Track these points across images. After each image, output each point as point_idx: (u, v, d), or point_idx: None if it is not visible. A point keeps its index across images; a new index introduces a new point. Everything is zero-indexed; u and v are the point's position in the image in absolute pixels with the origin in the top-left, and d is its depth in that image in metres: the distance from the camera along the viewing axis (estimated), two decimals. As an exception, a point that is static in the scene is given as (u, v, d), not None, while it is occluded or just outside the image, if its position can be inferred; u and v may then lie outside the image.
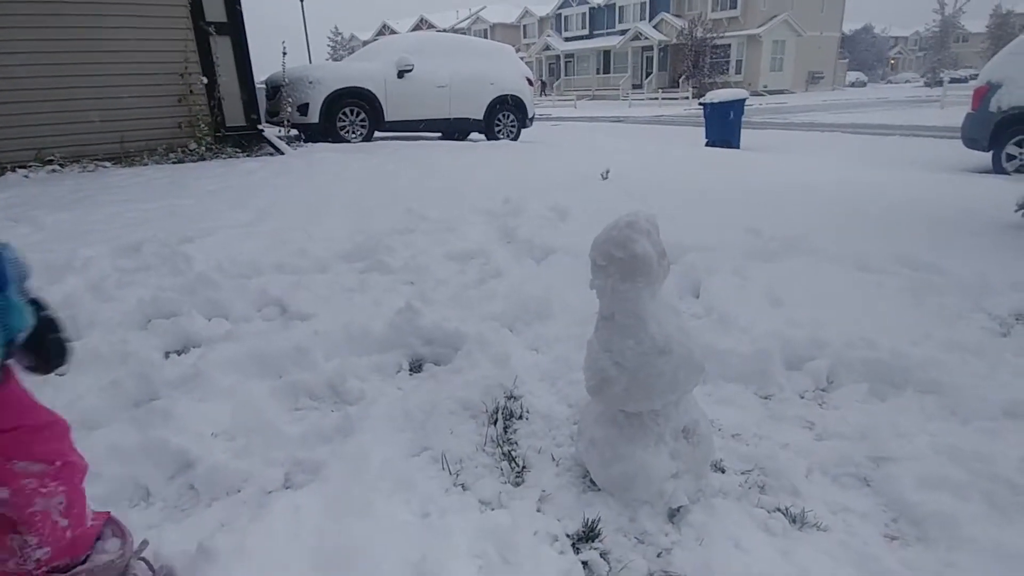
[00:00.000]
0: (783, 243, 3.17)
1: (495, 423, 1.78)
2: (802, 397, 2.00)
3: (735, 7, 36.63)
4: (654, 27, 39.39)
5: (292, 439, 1.71)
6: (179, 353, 2.21)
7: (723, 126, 10.14)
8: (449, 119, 9.90)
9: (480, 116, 10.10)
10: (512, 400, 1.88)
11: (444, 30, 45.53)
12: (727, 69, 36.70)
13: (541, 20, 50.42)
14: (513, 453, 1.67)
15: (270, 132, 7.80)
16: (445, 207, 4.09)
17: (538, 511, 1.45)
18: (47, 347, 1.05)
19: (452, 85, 9.64)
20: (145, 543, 1.26)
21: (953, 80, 25.40)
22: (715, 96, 10.30)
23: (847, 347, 2.13)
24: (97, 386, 1.88)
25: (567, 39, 46.23)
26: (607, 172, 5.37)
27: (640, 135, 13.62)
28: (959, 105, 14.37)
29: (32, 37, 5.95)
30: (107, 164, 6.47)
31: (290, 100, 8.51)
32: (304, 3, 26.67)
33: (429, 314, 2.32)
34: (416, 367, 2.19)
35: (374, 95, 8.98)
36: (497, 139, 10.28)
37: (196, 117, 7.04)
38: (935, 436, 1.70)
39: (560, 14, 47.26)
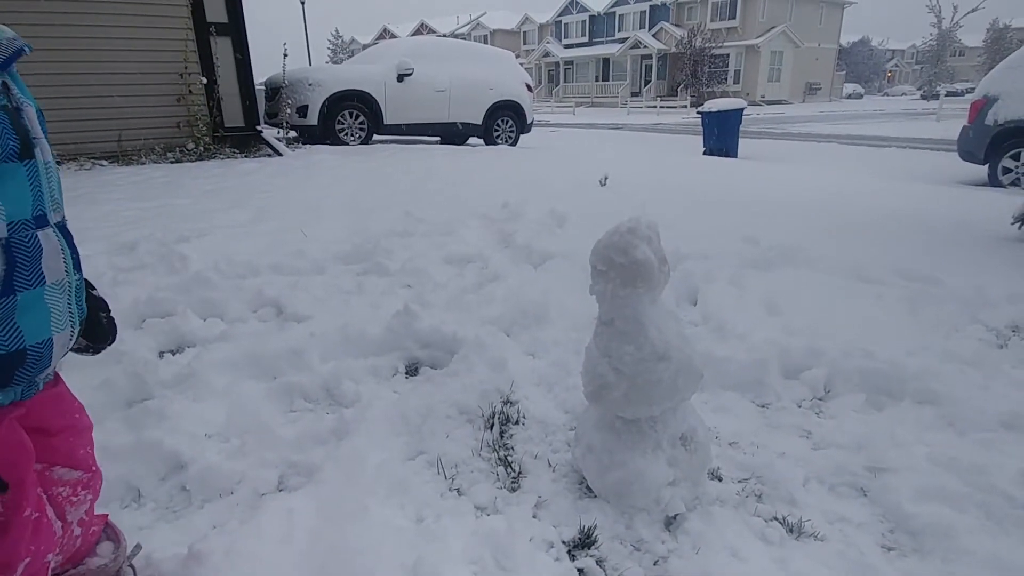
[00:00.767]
0: (781, 252, 3.17)
1: (491, 428, 1.77)
2: (799, 406, 2.00)
3: (734, 17, 36.91)
4: (653, 36, 39.64)
5: (286, 441, 1.69)
6: (174, 353, 2.20)
7: (721, 135, 10.17)
8: (448, 123, 9.91)
9: (479, 121, 10.12)
10: (509, 405, 1.87)
11: (444, 35, 45.70)
12: (725, 79, 36.94)
13: (541, 27, 50.63)
14: (509, 458, 1.66)
15: (268, 133, 7.80)
16: (443, 211, 4.08)
17: (534, 517, 1.44)
18: (100, 328, 1.06)
19: (451, 90, 9.66)
20: (138, 547, 1.24)
21: (949, 93, 25.65)
22: (713, 105, 10.33)
23: (844, 357, 2.13)
24: (89, 385, 1.85)
25: (567, 46, 46.46)
26: (605, 179, 5.38)
27: (638, 142, 13.68)
28: (955, 118, 14.50)
29: (31, 35, 5.93)
30: (104, 163, 6.45)
31: (289, 102, 8.52)
32: (305, 5, 26.72)
33: (426, 317, 2.31)
34: (412, 370, 2.18)
35: (373, 98, 8.99)
36: (496, 144, 10.30)
37: (195, 117, 7.04)
38: (932, 447, 1.70)
39: (560, 21, 47.50)
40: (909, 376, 2.01)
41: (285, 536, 1.31)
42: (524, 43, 52.16)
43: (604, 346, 1.40)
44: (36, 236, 0.86)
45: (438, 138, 10.36)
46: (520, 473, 1.60)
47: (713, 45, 35.52)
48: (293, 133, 8.85)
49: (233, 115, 7.48)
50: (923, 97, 40.94)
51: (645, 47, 39.32)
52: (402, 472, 1.57)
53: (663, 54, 38.92)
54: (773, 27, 36.34)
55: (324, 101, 8.59)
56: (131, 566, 1.21)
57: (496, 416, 1.81)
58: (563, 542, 1.37)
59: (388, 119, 9.21)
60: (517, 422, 1.82)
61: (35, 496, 0.92)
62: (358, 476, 1.51)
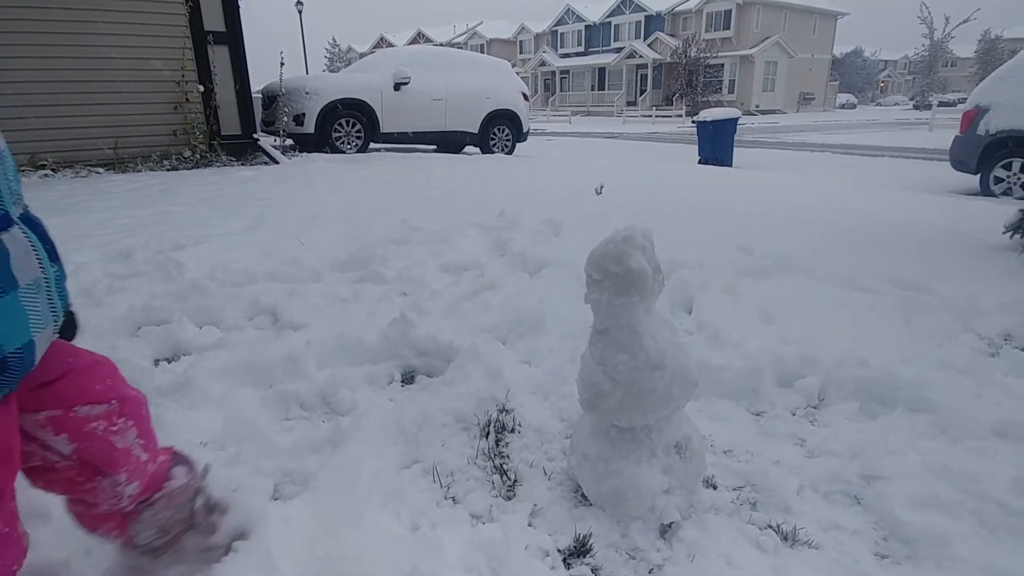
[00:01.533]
0: (775, 261, 3.19)
1: (487, 436, 1.77)
2: (793, 414, 2.01)
3: (728, 28, 37.26)
4: (648, 46, 39.96)
5: (282, 449, 1.69)
6: (169, 361, 2.19)
7: (716, 144, 10.25)
8: (444, 132, 9.95)
9: (475, 129, 10.16)
10: (504, 413, 1.87)
11: (441, 44, 45.91)
12: (720, 88, 37.25)
13: (537, 36, 50.98)
14: (505, 467, 1.66)
15: (265, 141, 7.82)
16: (440, 219, 4.10)
17: (529, 525, 1.44)
18: (71, 320, 1.05)
19: (448, 98, 9.71)
20: (207, 468, 1.27)
21: (941, 103, 25.90)
22: (708, 114, 10.42)
23: (838, 365, 2.14)
24: (85, 393, 1.85)
25: (563, 56, 46.78)
26: (601, 187, 5.40)
27: (634, 151, 13.74)
28: (947, 128, 14.63)
29: (28, 42, 5.94)
30: (100, 170, 6.45)
31: (286, 110, 8.54)
32: (302, 14, 26.84)
33: (423, 325, 2.31)
34: (408, 378, 2.18)
35: (370, 107, 9.02)
36: (492, 153, 10.34)
37: (192, 125, 7.05)
38: (925, 455, 1.71)
39: (556, 31, 47.85)
40: (902, 384, 2.02)
41: (281, 544, 1.31)
42: (520, 52, 52.48)
43: (599, 355, 1.40)
44: (0, 241, 0.80)
45: (435, 147, 10.39)
46: (516, 481, 1.60)
47: (708, 55, 35.84)
48: (290, 141, 8.88)
49: (230, 123, 7.50)
50: (915, 107, 41.37)
51: (640, 57, 39.64)
52: (398, 480, 1.57)
53: (658, 64, 39.22)
54: (767, 37, 36.69)
55: (321, 109, 8.62)
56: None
57: (492, 424, 1.81)
58: (558, 550, 1.37)
59: (385, 127, 9.24)
60: (513, 430, 1.82)
61: (8, 511, 0.90)
62: (354, 484, 1.51)
